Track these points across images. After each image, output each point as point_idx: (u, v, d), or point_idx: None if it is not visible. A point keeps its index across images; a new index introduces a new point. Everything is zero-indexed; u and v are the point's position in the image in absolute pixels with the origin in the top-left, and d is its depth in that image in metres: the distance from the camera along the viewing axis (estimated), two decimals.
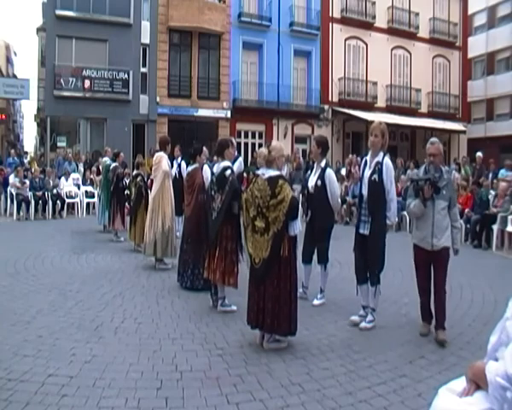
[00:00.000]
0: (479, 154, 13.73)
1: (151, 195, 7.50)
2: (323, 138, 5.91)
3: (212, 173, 5.26)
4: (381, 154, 4.70)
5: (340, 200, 5.72)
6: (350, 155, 17.20)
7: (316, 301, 5.52)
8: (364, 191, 4.73)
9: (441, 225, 4.43)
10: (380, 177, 4.61)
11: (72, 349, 4.01)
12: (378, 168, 4.63)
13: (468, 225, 10.45)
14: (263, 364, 3.83)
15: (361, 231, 4.77)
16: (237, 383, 3.49)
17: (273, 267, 4.04)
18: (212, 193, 5.10)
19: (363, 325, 4.75)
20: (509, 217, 9.68)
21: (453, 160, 20.05)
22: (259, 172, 4.30)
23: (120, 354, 3.97)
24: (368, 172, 4.72)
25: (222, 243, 4.93)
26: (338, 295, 5.76)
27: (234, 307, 5.18)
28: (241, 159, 6.79)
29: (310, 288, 5.73)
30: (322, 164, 5.51)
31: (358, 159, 14.34)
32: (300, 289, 5.69)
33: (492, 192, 10.83)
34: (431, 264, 4.59)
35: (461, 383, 1.85)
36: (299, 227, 4.20)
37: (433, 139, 4.75)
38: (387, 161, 4.68)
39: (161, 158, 7.15)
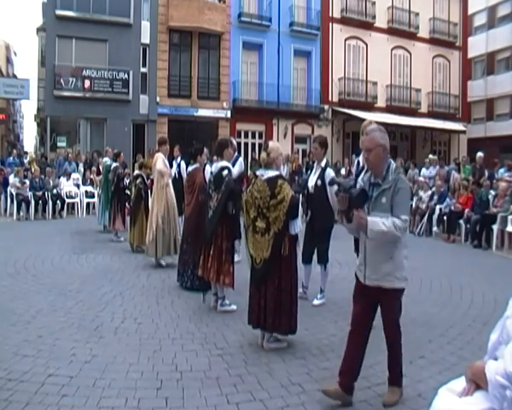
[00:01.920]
0: (479, 154, 13.72)
1: (152, 196, 7.53)
2: (325, 138, 5.94)
3: (211, 173, 5.29)
4: None
5: None
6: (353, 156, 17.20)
7: (316, 301, 5.52)
8: None
9: (379, 251, 3.06)
10: None
11: (72, 349, 4.01)
12: None
13: (468, 225, 10.45)
14: (263, 364, 3.83)
15: None
16: (237, 383, 3.49)
17: (274, 267, 4.05)
18: (210, 192, 5.14)
19: None
20: (509, 217, 9.68)
21: (453, 160, 20.05)
22: (258, 173, 4.31)
23: (120, 354, 3.97)
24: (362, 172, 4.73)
25: (217, 241, 4.96)
26: (338, 295, 5.76)
27: (234, 307, 5.19)
28: (241, 159, 6.79)
29: (310, 288, 5.73)
30: (323, 164, 5.51)
31: (353, 157, 14.36)
32: (300, 289, 5.69)
33: (492, 192, 10.83)
34: (372, 302, 3.27)
35: (461, 383, 1.85)
36: (299, 226, 4.21)
37: (370, 127, 3.32)
38: None
39: (157, 158, 7.23)
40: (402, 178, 3.12)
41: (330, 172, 5.49)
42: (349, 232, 3.29)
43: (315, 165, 5.69)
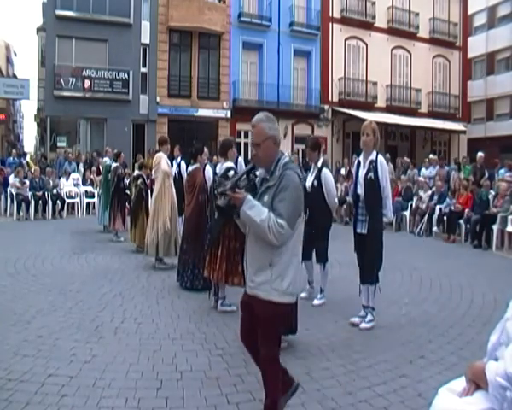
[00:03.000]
0: (480, 154, 13.73)
1: (153, 195, 7.52)
2: (315, 140, 5.93)
3: (215, 174, 5.26)
4: (374, 152, 4.75)
5: (336, 199, 5.75)
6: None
7: (316, 301, 5.52)
8: (360, 191, 4.78)
9: (257, 255, 2.67)
10: (375, 175, 4.66)
11: (72, 349, 4.01)
12: (373, 167, 4.68)
13: (468, 225, 10.45)
14: None
15: (358, 230, 4.81)
16: (237, 383, 3.49)
17: None
18: (215, 193, 5.10)
19: (362, 325, 4.76)
20: (509, 217, 9.67)
21: (453, 160, 20.06)
22: (257, 172, 4.29)
23: (120, 354, 3.97)
24: (363, 172, 4.77)
25: (225, 242, 4.93)
26: (338, 295, 5.76)
27: (234, 308, 5.18)
28: (240, 159, 6.78)
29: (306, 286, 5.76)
30: (319, 164, 5.55)
31: (354, 157, 14.37)
32: (307, 286, 5.71)
33: (492, 192, 10.83)
34: (253, 315, 2.77)
35: (461, 383, 1.85)
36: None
37: (256, 118, 2.72)
38: (381, 158, 4.76)
39: (160, 158, 7.19)
40: (289, 174, 2.59)
41: (326, 172, 5.51)
42: (242, 230, 2.94)
43: (312, 165, 5.72)
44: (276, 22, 22.45)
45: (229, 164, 5.12)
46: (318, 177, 5.44)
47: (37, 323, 4.67)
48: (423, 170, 14.65)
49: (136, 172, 9.17)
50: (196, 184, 6.06)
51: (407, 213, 12.42)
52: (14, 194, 13.00)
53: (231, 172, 5.02)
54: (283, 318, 2.76)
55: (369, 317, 4.80)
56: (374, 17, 24.49)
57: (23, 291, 5.82)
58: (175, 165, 8.92)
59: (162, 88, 20.69)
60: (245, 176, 2.69)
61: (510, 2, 28.69)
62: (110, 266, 7.44)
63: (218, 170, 5.22)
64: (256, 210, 2.51)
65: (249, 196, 2.55)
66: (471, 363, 1.86)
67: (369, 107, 23.79)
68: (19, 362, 3.72)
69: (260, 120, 2.69)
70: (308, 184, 5.55)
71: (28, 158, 20.20)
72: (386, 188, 4.72)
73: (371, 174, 4.67)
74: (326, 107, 23.58)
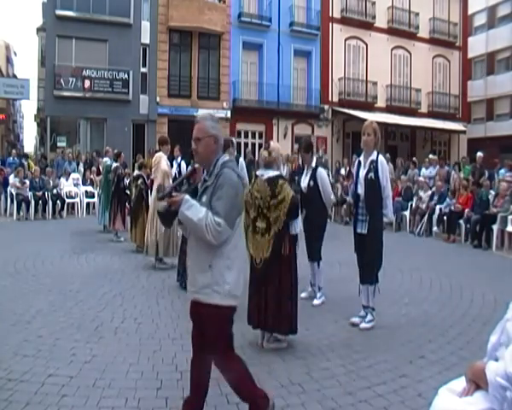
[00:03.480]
0: (479, 154, 13.73)
1: (152, 195, 7.52)
2: (308, 142, 5.96)
3: None
4: (375, 152, 4.76)
5: (332, 196, 5.78)
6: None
7: (316, 301, 5.53)
8: (361, 191, 4.78)
9: (197, 258, 2.63)
10: (376, 175, 4.67)
11: (72, 349, 4.01)
12: (373, 166, 4.69)
13: (468, 225, 10.45)
14: (263, 364, 3.83)
15: (358, 230, 4.81)
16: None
17: (274, 267, 4.05)
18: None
19: (362, 325, 4.76)
20: (509, 217, 9.68)
21: (454, 163, 20.03)
22: (258, 173, 4.30)
23: (120, 354, 3.97)
24: (363, 172, 4.79)
25: None
26: (338, 295, 5.76)
27: None
28: (241, 159, 6.80)
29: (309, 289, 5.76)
30: (313, 164, 5.58)
31: (354, 157, 14.36)
32: (310, 288, 5.71)
33: (492, 192, 10.83)
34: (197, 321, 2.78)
35: (461, 383, 1.85)
36: (299, 226, 4.21)
37: (200, 116, 2.79)
38: (382, 158, 4.77)
39: (160, 158, 7.19)
40: (226, 172, 2.57)
41: (321, 171, 5.54)
42: (185, 234, 2.94)
43: (306, 166, 5.75)
44: (276, 22, 22.44)
45: None
46: (314, 177, 5.48)
47: (37, 323, 4.67)
48: (423, 170, 14.65)
49: (136, 172, 9.17)
50: (196, 184, 6.06)
51: (407, 213, 12.42)
52: (14, 194, 12.99)
53: None
54: (227, 321, 2.67)
55: (369, 317, 4.80)
56: (374, 17, 24.48)
57: (23, 291, 5.82)
58: (175, 165, 8.92)
59: (162, 88, 20.69)
60: (185, 180, 2.68)
61: (510, 2, 28.69)
62: (110, 266, 7.44)
63: None
64: (193, 210, 2.49)
65: (187, 197, 2.53)
66: (471, 363, 1.86)
67: (369, 107, 23.79)
68: (19, 362, 3.72)
69: (205, 118, 2.73)
70: (304, 184, 5.60)
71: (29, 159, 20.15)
72: (387, 188, 4.73)
73: (372, 174, 4.67)
74: (326, 107, 23.57)
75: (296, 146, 22.71)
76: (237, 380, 2.72)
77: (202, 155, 2.67)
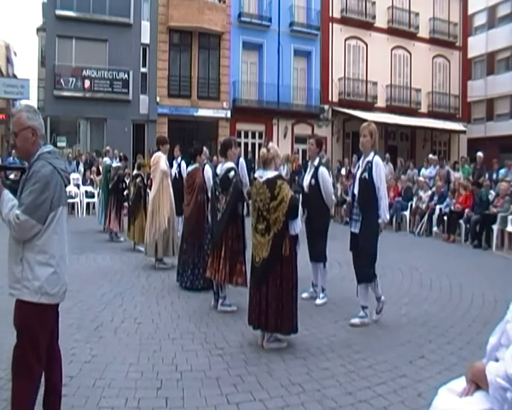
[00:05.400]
0: (479, 154, 13.72)
1: (150, 195, 7.52)
2: (321, 139, 6.08)
3: (216, 175, 5.24)
4: (372, 153, 4.78)
5: (333, 196, 5.79)
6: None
7: (318, 301, 5.54)
8: (356, 190, 4.80)
9: (10, 249, 2.54)
10: (370, 175, 4.69)
11: (72, 349, 4.00)
12: (368, 167, 4.73)
13: (468, 225, 10.45)
14: (263, 364, 3.83)
15: (352, 229, 4.88)
16: (237, 383, 3.49)
17: (274, 267, 4.05)
18: (217, 194, 5.09)
19: (353, 320, 4.80)
20: (509, 217, 9.67)
21: (453, 162, 20.01)
22: (257, 174, 4.29)
23: (120, 354, 3.97)
24: (359, 172, 4.81)
25: (227, 243, 4.91)
26: (338, 295, 5.76)
27: (234, 308, 5.19)
28: (241, 160, 6.79)
29: (309, 289, 5.76)
30: (316, 162, 5.58)
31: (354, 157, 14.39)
32: (311, 289, 5.72)
33: (492, 192, 10.83)
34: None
35: (461, 383, 1.85)
36: (299, 226, 4.21)
37: (16, 108, 2.73)
38: (377, 159, 4.78)
39: (159, 158, 7.18)
40: (36, 164, 2.49)
41: (323, 170, 5.54)
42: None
43: (309, 164, 5.75)
44: (276, 22, 22.43)
45: (230, 164, 5.09)
46: (315, 175, 5.48)
47: None
48: (423, 170, 14.65)
49: (135, 171, 9.18)
50: (196, 184, 6.06)
51: (407, 213, 12.42)
52: None
53: (232, 173, 5.01)
54: (38, 321, 2.54)
55: (361, 313, 4.83)
56: (374, 17, 24.47)
57: None
58: (175, 165, 8.92)
59: (162, 88, 20.68)
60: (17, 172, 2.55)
61: (510, 2, 28.68)
62: (110, 266, 7.44)
63: (218, 171, 5.20)
64: (3, 204, 2.42)
65: (5, 192, 2.45)
66: (471, 363, 1.86)
67: (369, 107, 23.78)
68: None
69: (20, 110, 2.62)
70: (305, 183, 5.59)
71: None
72: (381, 189, 4.73)
73: (365, 174, 4.72)
74: (326, 107, 23.56)
75: (296, 146, 22.78)
76: (19, 396, 2.52)
77: (21, 149, 2.59)
